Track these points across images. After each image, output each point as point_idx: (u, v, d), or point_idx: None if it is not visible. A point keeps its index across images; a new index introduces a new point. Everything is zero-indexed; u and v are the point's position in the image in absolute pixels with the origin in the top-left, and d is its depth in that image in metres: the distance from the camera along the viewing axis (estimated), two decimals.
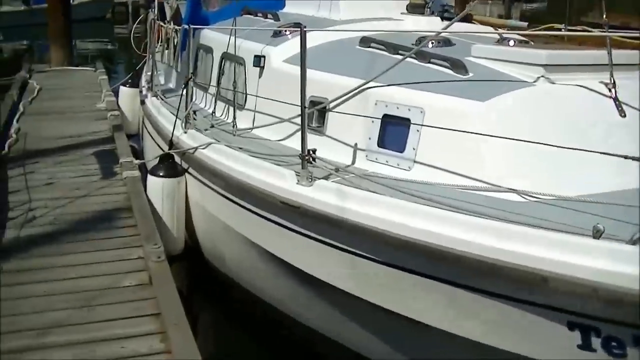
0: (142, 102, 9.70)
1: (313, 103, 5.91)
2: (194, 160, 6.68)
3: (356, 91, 5.38)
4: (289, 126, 6.14)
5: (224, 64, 7.79)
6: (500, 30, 6.97)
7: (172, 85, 10.13)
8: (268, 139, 6.44)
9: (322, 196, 4.76)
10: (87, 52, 25.10)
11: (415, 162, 4.98)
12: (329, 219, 4.66)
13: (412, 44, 6.04)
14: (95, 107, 11.39)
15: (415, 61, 5.51)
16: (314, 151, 4.98)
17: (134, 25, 14.19)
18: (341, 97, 5.49)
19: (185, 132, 7.04)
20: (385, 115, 5.21)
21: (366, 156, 5.32)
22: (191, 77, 7.13)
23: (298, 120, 5.91)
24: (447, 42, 6.08)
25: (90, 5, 33.87)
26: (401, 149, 5.07)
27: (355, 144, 5.42)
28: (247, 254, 6.18)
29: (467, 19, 7.79)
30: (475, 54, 5.46)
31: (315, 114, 5.95)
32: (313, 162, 4.96)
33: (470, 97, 4.81)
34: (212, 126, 7.18)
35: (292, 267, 5.50)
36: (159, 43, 11.08)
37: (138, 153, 10.31)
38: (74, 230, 6.27)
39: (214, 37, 8.11)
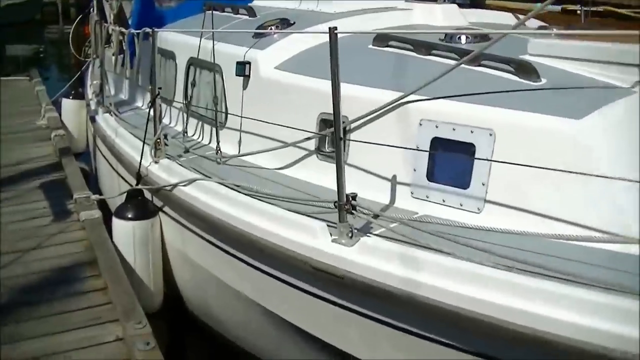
0: (92, 119, 8.23)
1: (324, 122, 4.63)
2: (171, 197, 5.32)
3: (390, 106, 4.13)
4: (293, 151, 4.85)
5: (192, 72, 6.42)
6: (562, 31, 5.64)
7: (123, 96, 8.68)
8: (263, 167, 5.13)
9: (374, 261, 3.49)
10: (17, 58, 22.96)
11: (486, 201, 3.74)
12: (389, 293, 3.40)
13: (441, 40, 4.82)
14: (35, 125, 9.83)
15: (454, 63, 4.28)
16: (354, 197, 3.68)
17: (73, 26, 12.43)
18: (369, 114, 4.22)
19: (156, 162, 5.65)
20: (436, 139, 3.96)
21: (411, 193, 4.07)
22: (158, 94, 5.73)
23: (308, 145, 4.66)
24: (484, 37, 4.85)
25: (18, 7, 31.46)
26: (464, 184, 3.84)
27: (394, 177, 4.16)
28: (249, 314, 4.88)
29: (480, 4, 6.58)
30: (534, 51, 4.24)
31: (328, 136, 4.68)
32: (354, 211, 3.67)
33: (558, 113, 3.58)
34: (187, 151, 5.82)
35: (314, 337, 4.24)
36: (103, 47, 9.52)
37: (90, 176, 8.84)
38: (23, 304, 4.83)
39: (176, 39, 6.72)
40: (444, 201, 3.92)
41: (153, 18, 8.28)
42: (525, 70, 3.95)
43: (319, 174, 4.69)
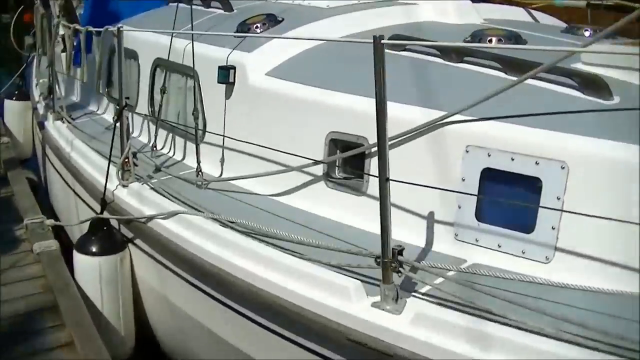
0: (41, 126, 7.26)
1: (334, 143, 3.86)
2: (145, 230, 4.47)
3: (426, 127, 3.38)
4: (292, 175, 4.06)
5: (160, 76, 5.55)
6: None
7: (75, 98, 7.74)
8: (254, 193, 4.33)
9: (433, 336, 2.74)
10: None
11: (557, 249, 3.02)
12: None
13: (467, 40, 4.09)
14: None
15: (498, 74, 3.55)
16: (401, 251, 2.91)
17: (14, 17, 11.22)
18: (400, 136, 3.47)
19: (125, 186, 4.78)
20: (487, 171, 3.23)
21: (455, 235, 3.33)
22: (126, 105, 4.85)
23: (313, 168, 3.88)
24: (517, 39, 4.13)
25: None
26: (527, 227, 3.12)
27: (431, 215, 3.42)
28: None
29: None
30: (590, 60, 3.53)
31: (339, 160, 3.92)
32: (402, 269, 2.90)
33: None
34: (158, 169, 4.98)
35: None
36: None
37: (38, 188, 7.86)
38: None
39: (138, 36, 5.81)
40: (499, 247, 3.20)
41: (108, 11, 7.34)
42: (595, 85, 3.24)
43: (328, 205, 3.93)
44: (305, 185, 4.07)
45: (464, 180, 3.28)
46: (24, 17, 10.90)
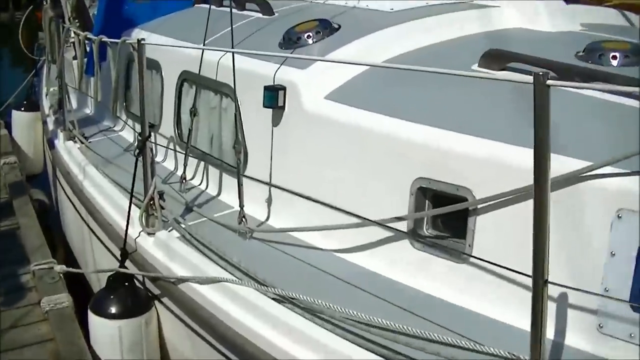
0: (51, 144, 6.42)
1: (423, 192, 3.00)
2: (174, 289, 3.63)
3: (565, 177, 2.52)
4: (368, 228, 3.20)
5: (188, 92, 4.71)
6: None
7: (89, 111, 6.91)
8: (315, 247, 3.47)
9: None
10: None
11: None
12: None
13: (579, 55, 3.22)
14: None
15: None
16: None
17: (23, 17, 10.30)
18: (515, 192, 2.60)
19: (150, 234, 3.94)
20: None
21: (599, 327, 2.46)
22: (150, 135, 3.99)
23: (397, 223, 3.04)
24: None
25: None
26: None
27: (563, 297, 2.55)
28: None
29: None
30: None
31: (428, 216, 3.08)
32: None
33: None
34: (190, 209, 4.13)
35: None
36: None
37: (49, 211, 7.04)
38: None
39: (162, 46, 4.94)
40: None
41: (124, 13, 6.49)
42: None
43: (414, 271, 3.08)
44: (383, 241, 3.21)
45: (613, 255, 2.41)
46: (36, 16, 10.06)
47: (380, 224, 3.13)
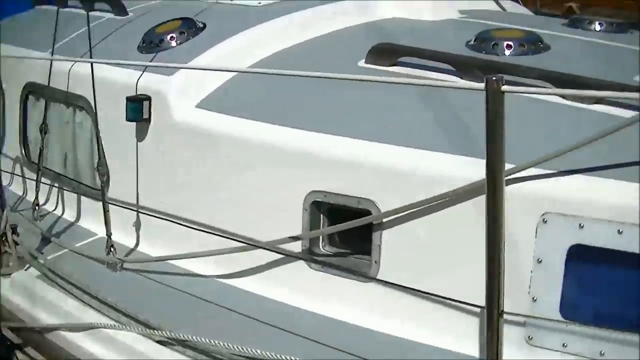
0: None
1: (317, 206, 2.76)
2: (39, 338, 3.17)
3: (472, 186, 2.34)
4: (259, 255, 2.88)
5: (36, 106, 4.20)
6: None
7: None
8: (196, 274, 3.12)
9: None
10: None
11: None
12: None
13: (471, 45, 3.10)
14: None
15: (557, 100, 2.55)
16: None
17: None
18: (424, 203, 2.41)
19: (7, 275, 3.43)
20: (577, 249, 2.19)
21: (528, 339, 2.32)
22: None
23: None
24: (538, 43, 3.15)
25: None
26: None
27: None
28: None
29: None
30: None
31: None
32: None
33: None
34: (47, 240, 3.64)
35: None
36: None
37: None
38: None
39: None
40: (602, 355, 2.18)
41: None
42: None
43: (313, 294, 2.80)
44: (276, 264, 2.91)
45: (540, 262, 2.24)
46: None
47: (264, 247, 2.82)
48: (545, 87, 2.43)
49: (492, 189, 1.83)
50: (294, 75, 2.68)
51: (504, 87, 1.72)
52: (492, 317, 1.89)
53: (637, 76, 2.72)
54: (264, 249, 2.84)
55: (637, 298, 2.13)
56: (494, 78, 1.73)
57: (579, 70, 2.61)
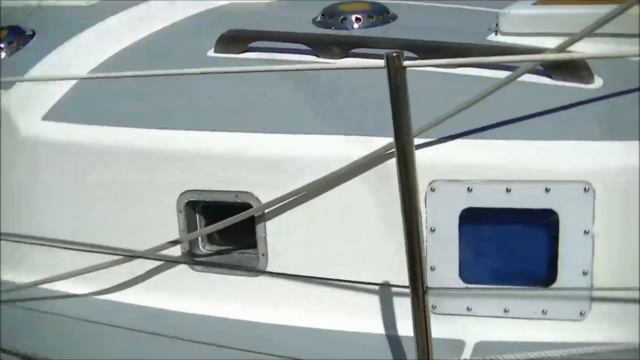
0: None
1: (193, 206, 2.69)
2: None
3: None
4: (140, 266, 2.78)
5: None
6: None
7: None
8: (68, 294, 2.94)
9: None
10: None
11: (594, 299, 2.22)
12: None
13: (318, 21, 3.15)
14: None
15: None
16: None
17: None
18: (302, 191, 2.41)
19: None
20: (469, 212, 2.28)
21: (432, 308, 2.37)
22: None
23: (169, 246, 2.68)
24: (385, 13, 3.22)
25: None
26: (544, 278, 2.27)
27: (385, 290, 2.42)
28: None
29: None
30: (511, 28, 2.75)
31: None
32: None
33: None
34: None
35: None
36: None
37: None
38: None
39: None
40: (506, 312, 2.29)
41: None
42: (569, 64, 2.40)
43: (201, 297, 2.72)
44: (158, 270, 2.79)
45: (433, 230, 2.30)
46: None
47: (140, 256, 2.69)
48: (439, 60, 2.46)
49: (404, 165, 1.82)
50: (144, 76, 2.57)
51: (406, 63, 1.72)
52: (417, 294, 1.90)
53: (488, 35, 2.83)
54: (140, 257, 2.71)
55: (532, 252, 2.24)
56: (394, 54, 1.72)
57: (432, 36, 2.68)
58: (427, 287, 1.89)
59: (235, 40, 2.98)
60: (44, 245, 2.94)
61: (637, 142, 2.13)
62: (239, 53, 2.98)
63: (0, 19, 3.49)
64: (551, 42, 2.45)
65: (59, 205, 2.93)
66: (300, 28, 3.07)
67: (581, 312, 2.22)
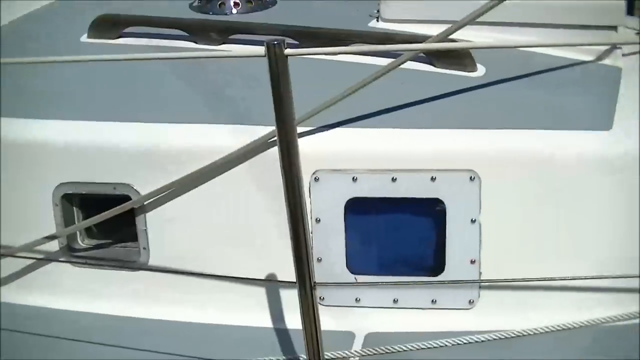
0: None
1: (69, 199, 2.54)
2: None
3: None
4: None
5: None
6: None
7: None
8: None
9: None
10: None
11: (482, 287, 2.24)
12: None
13: (196, 6, 3.05)
14: None
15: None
16: None
17: None
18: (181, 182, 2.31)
19: None
20: (354, 202, 2.24)
21: (321, 300, 2.33)
22: None
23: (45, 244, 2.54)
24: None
25: None
26: (432, 267, 2.29)
27: (271, 280, 2.35)
28: None
29: None
30: (392, 14, 2.75)
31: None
32: None
33: (579, 126, 2.19)
34: None
35: None
36: None
37: None
38: None
39: None
40: (396, 302, 2.27)
41: None
42: (452, 53, 2.40)
43: (83, 295, 2.58)
44: (34, 267, 2.60)
45: (318, 221, 2.24)
46: None
47: (13, 255, 2.50)
48: (321, 48, 2.38)
49: (287, 157, 1.74)
50: (13, 63, 2.38)
51: (287, 51, 1.63)
52: (305, 289, 1.83)
53: (370, 22, 2.80)
54: (14, 256, 2.51)
55: (420, 242, 2.23)
56: (275, 43, 1.63)
57: (313, 23, 2.62)
58: (314, 282, 1.82)
59: (110, 24, 2.82)
60: None
61: (520, 130, 2.14)
62: (114, 38, 2.82)
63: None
64: (431, 30, 2.45)
65: None
66: (177, 13, 2.94)
67: (470, 301, 2.23)
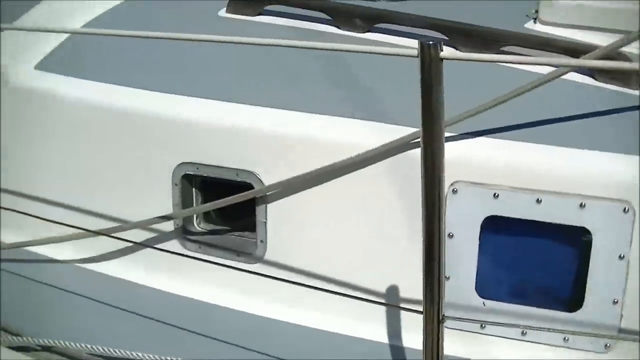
0: None
1: (190, 180, 2.46)
2: None
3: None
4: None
5: None
6: None
7: None
8: (51, 259, 2.73)
9: None
10: None
11: (622, 331, 2.01)
12: None
13: None
14: None
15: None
16: None
17: None
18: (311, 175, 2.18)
19: None
20: (492, 220, 2.06)
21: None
22: None
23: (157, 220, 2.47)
24: None
25: None
26: (569, 302, 2.06)
27: (393, 291, 2.21)
28: None
29: None
30: (550, 17, 2.50)
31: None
32: None
33: None
34: None
35: None
36: None
37: None
38: None
39: None
40: (524, 335, 2.08)
41: None
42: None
43: (191, 279, 2.52)
44: (147, 244, 2.57)
45: (451, 236, 2.08)
46: None
47: (128, 229, 2.47)
48: (480, 54, 2.20)
49: (431, 168, 1.58)
50: (151, 37, 2.31)
51: (443, 54, 1.47)
52: (432, 319, 1.69)
53: (526, 23, 2.59)
54: (127, 230, 2.49)
55: (558, 272, 2.03)
56: (430, 43, 1.47)
57: (463, 17, 2.43)
58: (444, 315, 1.67)
59: (250, 1, 2.73)
60: (30, 201, 2.73)
61: None
62: (253, 15, 2.74)
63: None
64: (595, 37, 2.22)
65: (48, 161, 2.72)
66: None
67: (606, 345, 2.01)
